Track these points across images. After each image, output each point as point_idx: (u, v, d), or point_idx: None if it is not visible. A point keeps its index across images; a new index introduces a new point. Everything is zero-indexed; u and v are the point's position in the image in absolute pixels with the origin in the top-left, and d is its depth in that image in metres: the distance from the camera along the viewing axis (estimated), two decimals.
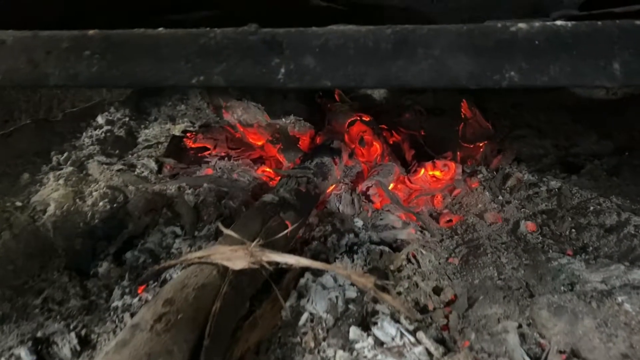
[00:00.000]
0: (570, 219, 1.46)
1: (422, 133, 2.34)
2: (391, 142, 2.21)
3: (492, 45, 0.77)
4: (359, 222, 1.52)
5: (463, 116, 2.18)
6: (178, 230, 1.50)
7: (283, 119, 2.05)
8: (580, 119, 2.21)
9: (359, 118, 2.06)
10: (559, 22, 0.77)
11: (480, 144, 2.05)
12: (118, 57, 0.86)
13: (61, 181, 1.69)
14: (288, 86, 0.85)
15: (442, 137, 2.27)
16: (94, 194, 1.67)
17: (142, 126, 2.41)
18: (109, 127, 2.21)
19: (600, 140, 2.01)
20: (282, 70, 0.84)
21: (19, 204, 1.58)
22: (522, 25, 0.77)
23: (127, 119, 2.38)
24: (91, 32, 0.88)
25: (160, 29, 0.87)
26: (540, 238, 1.42)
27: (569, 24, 0.76)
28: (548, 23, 0.77)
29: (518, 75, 0.77)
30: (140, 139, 2.24)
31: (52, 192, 1.62)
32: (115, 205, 1.66)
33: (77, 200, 1.63)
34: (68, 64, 0.87)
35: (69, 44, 0.88)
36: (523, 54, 0.76)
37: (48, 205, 1.58)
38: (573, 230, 1.42)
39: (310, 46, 0.82)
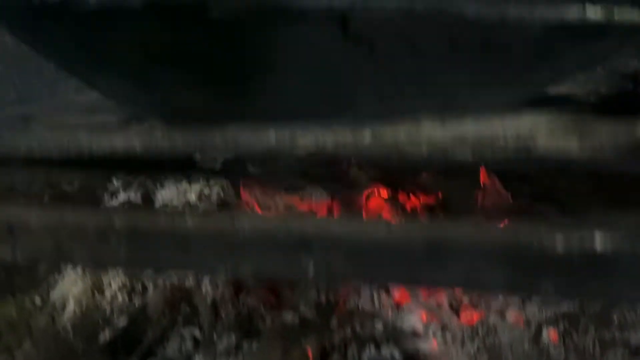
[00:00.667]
0: (593, 330, 1.44)
1: (440, 196, 2.30)
2: (409, 210, 2.19)
3: (528, 261, 0.75)
4: (379, 325, 1.51)
5: (482, 185, 2.14)
6: (197, 332, 1.49)
7: (300, 192, 2.03)
8: (602, 188, 2.16)
9: (376, 192, 2.04)
10: (598, 243, 0.75)
11: (501, 220, 2.01)
12: (144, 246, 0.85)
13: (79, 271, 1.69)
14: (317, 282, 0.84)
15: (460, 204, 2.23)
16: (112, 284, 1.67)
17: (158, 184, 2.40)
18: (125, 195, 2.20)
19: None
20: (311, 268, 0.82)
21: (38, 301, 1.58)
22: (559, 246, 0.75)
23: (142, 176, 2.37)
24: (117, 220, 0.87)
25: (188, 219, 0.85)
26: (563, 353, 1.40)
27: (609, 245, 0.74)
28: (587, 242, 0.75)
29: (553, 289, 0.75)
30: (157, 204, 2.23)
31: (71, 286, 1.62)
32: (132, 295, 1.66)
33: (96, 293, 1.63)
34: (93, 252, 0.86)
35: (94, 231, 0.87)
36: (560, 272, 0.74)
37: (67, 301, 1.58)
38: (597, 344, 1.40)
39: (340, 248, 0.81)
